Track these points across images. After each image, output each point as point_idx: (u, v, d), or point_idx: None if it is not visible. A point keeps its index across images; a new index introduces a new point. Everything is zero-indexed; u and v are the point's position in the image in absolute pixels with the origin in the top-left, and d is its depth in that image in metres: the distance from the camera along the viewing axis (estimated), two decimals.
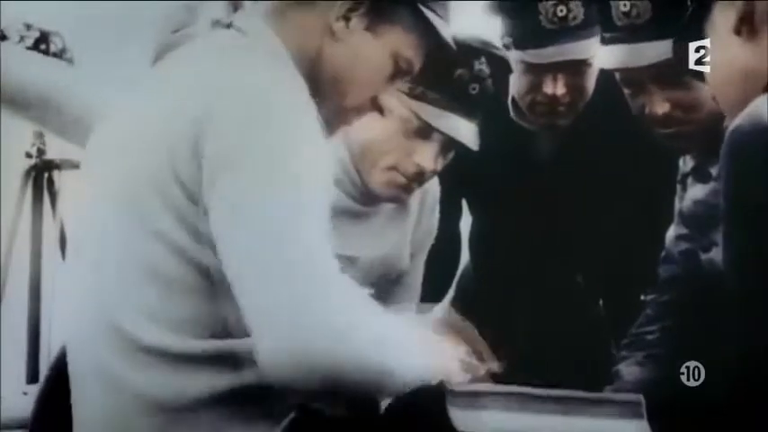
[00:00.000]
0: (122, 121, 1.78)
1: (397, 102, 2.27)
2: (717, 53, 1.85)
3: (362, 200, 2.43)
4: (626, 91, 2.36)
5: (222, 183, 1.61)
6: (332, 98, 1.85)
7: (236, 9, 1.90)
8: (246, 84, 1.67)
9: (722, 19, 1.83)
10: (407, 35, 1.89)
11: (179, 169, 1.64)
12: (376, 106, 1.94)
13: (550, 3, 2.51)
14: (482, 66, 2.31)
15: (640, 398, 1.72)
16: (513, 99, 2.73)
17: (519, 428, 1.69)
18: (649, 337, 2.46)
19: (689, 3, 1.95)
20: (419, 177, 2.40)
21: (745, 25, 1.78)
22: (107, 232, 1.70)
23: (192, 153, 1.63)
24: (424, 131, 2.35)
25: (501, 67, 2.38)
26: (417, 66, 1.95)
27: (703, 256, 2.33)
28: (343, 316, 1.55)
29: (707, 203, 2.34)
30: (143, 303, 1.66)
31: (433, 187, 2.61)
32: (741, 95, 1.77)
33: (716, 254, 2.28)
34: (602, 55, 2.38)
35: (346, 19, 1.83)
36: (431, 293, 2.56)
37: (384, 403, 1.81)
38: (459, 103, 2.33)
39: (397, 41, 1.88)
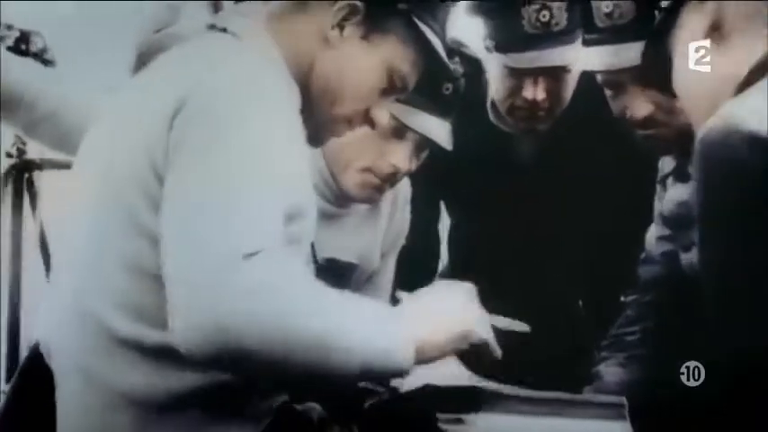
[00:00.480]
0: (106, 119, 1.78)
1: None
2: (688, 59, 1.85)
3: (337, 202, 2.44)
4: (607, 92, 2.36)
5: (174, 169, 1.62)
6: (323, 107, 1.85)
7: (216, 10, 1.90)
8: (225, 81, 1.67)
9: (692, 25, 1.83)
10: (402, 47, 1.88)
11: (156, 163, 1.64)
12: (368, 120, 1.93)
13: (533, 8, 2.49)
14: (455, 65, 2.31)
15: (623, 400, 1.73)
16: (493, 102, 2.72)
17: (504, 429, 1.69)
18: (630, 337, 2.47)
19: (658, 9, 1.94)
20: (393, 178, 2.41)
21: (716, 31, 1.79)
22: (89, 229, 1.70)
23: (166, 145, 1.63)
24: (399, 131, 2.35)
25: (474, 68, 2.38)
26: (412, 83, 1.95)
27: (684, 257, 2.33)
28: (267, 295, 1.51)
29: (687, 204, 2.34)
30: (125, 298, 1.65)
31: (404, 187, 2.61)
32: (711, 101, 1.77)
33: (696, 254, 2.29)
34: (583, 56, 2.38)
35: (341, 27, 1.83)
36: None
37: (368, 402, 1.82)
38: (433, 102, 2.33)
39: (391, 54, 1.87)
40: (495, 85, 2.68)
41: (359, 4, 1.83)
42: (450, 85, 2.32)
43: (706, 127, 1.59)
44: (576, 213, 2.73)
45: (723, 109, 1.61)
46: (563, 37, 2.50)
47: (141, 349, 1.64)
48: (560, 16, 2.49)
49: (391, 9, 1.86)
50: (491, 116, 2.74)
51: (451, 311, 1.71)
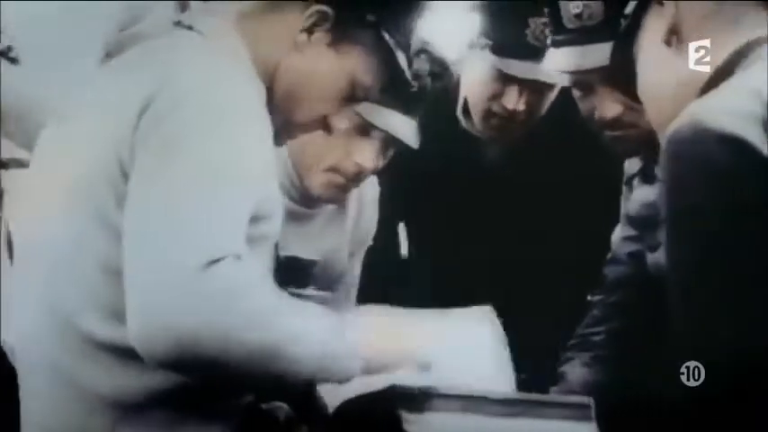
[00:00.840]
0: (73, 118, 1.78)
1: None
2: (649, 63, 1.86)
3: (303, 201, 2.44)
4: (576, 93, 2.36)
5: (138, 169, 1.62)
6: (284, 109, 1.86)
7: (183, 9, 1.89)
8: (191, 81, 1.67)
9: (652, 29, 1.84)
10: (366, 57, 1.89)
11: (123, 160, 1.64)
12: (325, 126, 1.94)
13: (541, 20, 2.50)
14: (422, 64, 2.31)
15: (590, 400, 1.73)
16: (465, 103, 2.72)
17: (470, 430, 1.69)
18: (595, 338, 2.48)
19: (624, 12, 1.95)
20: (358, 177, 2.42)
21: (675, 35, 1.79)
22: (57, 227, 1.69)
23: (132, 143, 1.63)
24: (364, 129, 2.35)
25: (440, 67, 2.38)
26: (374, 94, 1.97)
27: (650, 257, 2.34)
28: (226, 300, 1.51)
29: (653, 205, 2.35)
30: (96, 298, 1.65)
31: (372, 187, 2.61)
32: (673, 105, 1.78)
33: (662, 255, 2.30)
34: (552, 57, 2.38)
35: (310, 32, 1.84)
36: (371, 293, 2.55)
37: (333, 404, 1.81)
38: (399, 100, 2.33)
39: (356, 63, 1.88)
40: (475, 86, 2.68)
41: (329, 11, 1.84)
42: (416, 84, 2.32)
43: (673, 126, 1.60)
44: (543, 214, 2.74)
45: (690, 108, 1.62)
46: None
47: (112, 349, 1.64)
48: None
49: (360, 19, 1.87)
50: (460, 117, 2.74)
51: (406, 333, 1.76)
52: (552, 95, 2.66)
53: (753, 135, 1.52)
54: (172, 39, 1.81)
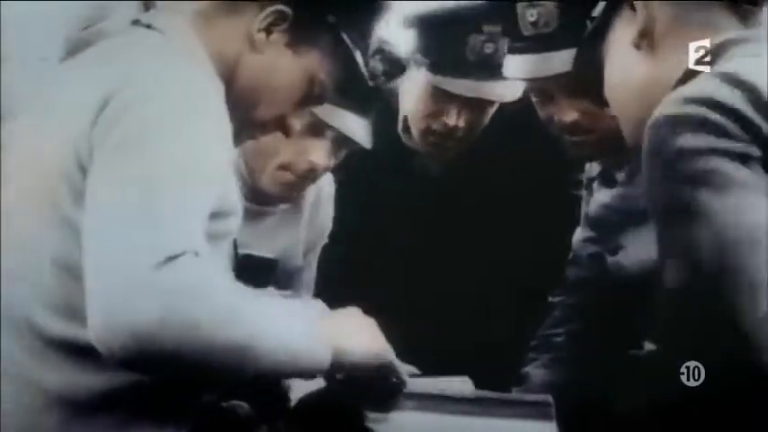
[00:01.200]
0: (29, 115, 1.77)
1: None
2: (617, 67, 1.86)
3: (256, 199, 2.43)
4: (534, 99, 2.37)
5: (97, 166, 1.60)
6: (243, 108, 1.85)
7: (147, 8, 1.88)
8: (152, 72, 1.67)
9: (622, 33, 1.85)
10: (325, 58, 1.89)
11: (81, 158, 1.63)
12: (283, 126, 1.94)
13: (480, 38, 2.50)
14: (376, 63, 2.32)
15: (549, 398, 1.74)
16: (405, 120, 2.71)
17: (431, 428, 1.69)
18: (556, 339, 2.49)
19: (590, 16, 1.96)
20: (311, 175, 2.42)
21: (645, 39, 1.80)
22: (14, 224, 1.68)
23: (90, 141, 1.62)
24: (318, 128, 2.36)
25: (395, 66, 2.39)
26: (330, 91, 1.96)
27: (610, 260, 2.35)
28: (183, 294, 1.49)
29: (613, 207, 2.37)
30: (50, 295, 1.64)
31: (327, 185, 2.61)
32: (642, 109, 1.79)
33: (622, 257, 2.31)
34: (509, 64, 2.39)
35: (268, 32, 1.83)
36: (328, 290, 2.54)
37: (294, 399, 1.81)
38: (353, 100, 2.34)
39: (314, 64, 1.88)
40: (414, 104, 2.67)
41: (288, 11, 1.83)
42: (372, 83, 2.33)
43: (653, 117, 1.61)
44: (503, 217, 2.73)
45: (670, 97, 1.63)
46: (500, 72, 2.51)
47: (66, 346, 1.62)
48: (503, 51, 2.50)
49: (319, 20, 1.87)
50: (401, 134, 2.73)
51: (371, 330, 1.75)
52: (493, 110, 2.65)
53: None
54: (130, 37, 1.80)
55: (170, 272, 1.48)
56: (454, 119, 2.59)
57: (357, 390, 1.70)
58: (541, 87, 2.32)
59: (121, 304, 1.47)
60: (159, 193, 1.55)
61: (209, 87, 1.73)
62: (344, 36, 1.89)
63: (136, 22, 1.82)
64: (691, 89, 1.62)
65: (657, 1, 1.79)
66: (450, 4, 2.59)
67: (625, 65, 1.84)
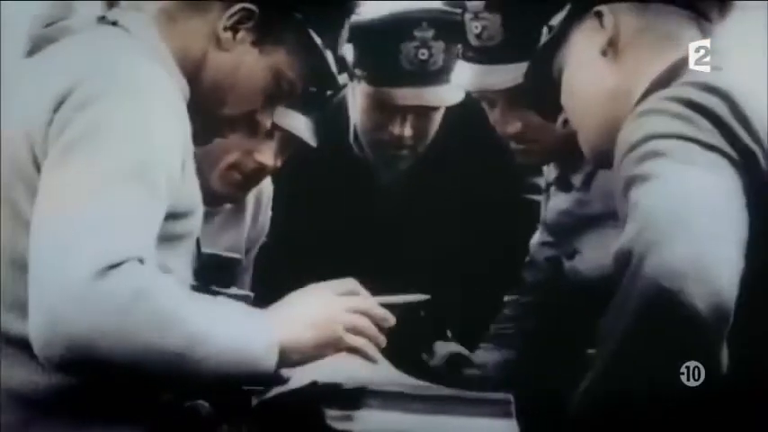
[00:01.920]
0: None
1: None
2: (580, 75, 1.88)
3: (204, 200, 2.43)
4: (485, 105, 2.39)
5: (50, 164, 1.60)
6: (210, 106, 1.86)
7: (110, 6, 1.88)
8: (111, 70, 1.67)
9: (586, 42, 1.86)
10: (292, 56, 1.89)
11: (36, 155, 1.63)
12: (252, 123, 1.94)
13: (413, 44, 2.50)
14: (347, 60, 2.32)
15: (509, 397, 1.75)
16: (356, 133, 2.71)
17: (393, 427, 1.70)
18: (508, 332, 2.53)
19: (546, 30, 1.97)
20: (258, 175, 2.43)
21: (611, 46, 1.82)
22: None
23: (45, 138, 1.62)
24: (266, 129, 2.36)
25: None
26: (299, 88, 1.96)
27: (567, 264, 2.37)
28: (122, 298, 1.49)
29: (569, 212, 2.39)
30: (5, 292, 1.63)
31: (267, 185, 2.61)
32: (607, 115, 1.81)
33: (578, 261, 2.34)
34: (460, 72, 2.39)
35: (234, 30, 1.83)
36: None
37: (255, 399, 1.81)
38: (299, 99, 2.31)
39: (282, 60, 1.88)
40: (360, 115, 2.67)
41: (254, 9, 1.83)
42: (342, 81, 2.33)
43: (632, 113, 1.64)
44: (459, 220, 2.74)
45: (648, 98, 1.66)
46: (439, 76, 2.52)
47: (22, 344, 1.59)
48: (438, 56, 2.51)
49: (286, 17, 1.87)
50: (353, 147, 2.73)
51: (318, 315, 1.71)
52: (439, 115, 2.65)
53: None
54: (93, 34, 1.80)
55: (109, 281, 1.48)
56: (399, 128, 2.59)
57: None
58: (487, 97, 2.34)
59: (58, 312, 1.47)
60: (105, 197, 1.54)
61: (167, 86, 1.73)
62: (311, 32, 1.89)
63: (102, 19, 1.82)
64: (670, 92, 1.64)
65: (623, 12, 1.82)
66: (383, 12, 2.58)
67: (588, 73, 1.86)
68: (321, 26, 1.91)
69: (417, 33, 2.51)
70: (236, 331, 1.60)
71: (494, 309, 2.59)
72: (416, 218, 2.75)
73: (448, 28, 2.49)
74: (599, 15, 1.83)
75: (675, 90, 1.64)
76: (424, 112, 2.59)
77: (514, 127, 2.29)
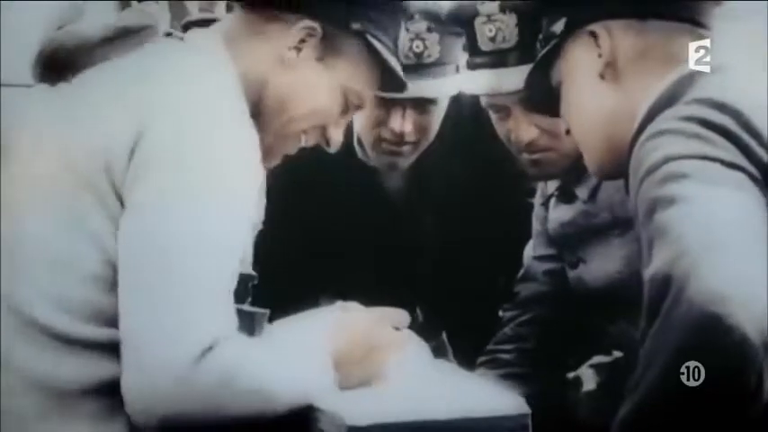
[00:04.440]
0: (48, 117, 1.77)
1: None
2: (581, 97, 1.88)
3: None
4: (492, 116, 2.38)
5: (138, 186, 1.64)
6: (275, 126, 1.87)
7: (123, 8, 1.86)
8: (188, 95, 1.69)
9: (583, 61, 1.86)
10: (357, 66, 1.92)
11: (115, 182, 1.65)
12: (324, 137, 1.96)
13: (407, 37, 2.49)
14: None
15: (527, 411, 1.73)
16: (359, 136, 2.70)
17: None
18: (505, 356, 2.50)
19: (541, 41, 1.97)
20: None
21: (609, 68, 1.82)
22: (22, 220, 1.70)
23: (128, 159, 1.65)
24: None
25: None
26: (368, 99, 1.99)
27: (571, 274, 2.36)
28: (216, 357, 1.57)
29: (573, 224, 2.37)
30: (52, 289, 1.66)
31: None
32: (610, 135, 1.81)
33: (583, 270, 2.33)
34: (467, 79, 2.39)
35: (298, 49, 1.85)
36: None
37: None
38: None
39: (347, 73, 1.91)
40: (360, 115, 2.66)
41: (316, 26, 1.86)
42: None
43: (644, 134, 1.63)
44: (453, 230, 2.73)
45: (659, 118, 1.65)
46: (435, 69, 2.51)
47: (51, 334, 1.64)
48: (433, 48, 2.49)
49: (346, 30, 1.90)
50: (357, 150, 2.72)
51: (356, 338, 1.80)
52: (440, 110, 2.64)
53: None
54: (165, 54, 1.80)
55: (205, 365, 1.55)
56: (400, 123, 2.57)
57: None
58: (499, 103, 2.33)
59: (159, 393, 1.55)
60: (194, 267, 1.60)
61: (245, 120, 1.75)
62: (372, 39, 1.91)
63: (169, 35, 1.83)
64: (680, 110, 1.64)
65: (619, 30, 1.82)
66: None
67: (588, 95, 1.86)
68: (380, 33, 1.93)
69: (411, 26, 2.50)
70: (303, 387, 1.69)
71: (492, 324, 2.58)
72: (418, 219, 2.75)
73: (439, 21, 2.49)
74: (594, 35, 1.83)
75: (685, 109, 1.64)
76: (421, 105, 2.58)
77: (530, 134, 2.28)
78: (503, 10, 2.25)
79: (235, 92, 1.78)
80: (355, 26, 1.89)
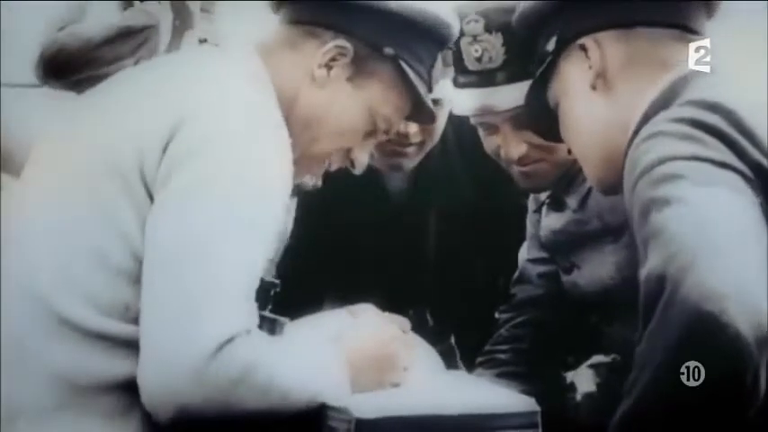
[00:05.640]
0: (79, 112, 1.79)
1: None
2: (575, 110, 1.89)
3: None
4: (480, 132, 2.37)
5: (169, 182, 1.64)
6: (301, 144, 1.86)
7: (125, 8, 1.85)
8: (227, 95, 1.70)
9: (575, 75, 1.87)
10: (387, 91, 1.92)
11: (146, 177, 1.65)
12: (348, 159, 1.96)
13: None
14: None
15: (536, 408, 1.74)
16: None
17: None
18: (502, 356, 2.49)
19: (536, 59, 1.97)
20: None
21: (600, 79, 1.83)
22: (51, 216, 1.69)
23: (161, 154, 1.65)
24: None
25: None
26: (397, 124, 2.00)
27: (565, 278, 2.37)
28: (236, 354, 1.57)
29: (565, 231, 2.37)
30: (78, 282, 1.65)
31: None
32: (607, 145, 1.82)
33: (577, 276, 2.33)
34: (455, 99, 2.38)
35: (328, 67, 1.86)
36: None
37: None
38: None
39: (376, 96, 1.91)
40: None
41: (348, 46, 1.86)
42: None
43: (638, 136, 1.63)
44: (449, 236, 2.74)
45: (652, 120, 1.65)
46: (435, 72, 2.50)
47: (78, 330, 1.64)
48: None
49: (378, 53, 1.90)
50: None
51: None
52: (443, 114, 2.61)
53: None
54: (201, 60, 1.82)
55: (223, 357, 1.55)
56: (405, 124, 2.57)
57: None
58: (487, 121, 2.32)
59: (176, 385, 1.55)
60: (220, 260, 1.60)
61: (278, 128, 1.76)
62: (404, 65, 1.91)
63: (203, 41, 1.84)
64: (673, 112, 1.64)
65: (608, 41, 1.83)
66: None
67: (582, 107, 1.87)
68: (412, 59, 1.92)
69: None
70: (317, 386, 1.69)
71: (489, 326, 2.57)
72: (421, 220, 2.75)
73: None
74: (584, 48, 1.84)
75: (678, 110, 1.65)
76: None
77: (519, 150, 2.27)
78: (488, 30, 2.22)
79: (272, 98, 1.79)
80: (388, 51, 1.89)
